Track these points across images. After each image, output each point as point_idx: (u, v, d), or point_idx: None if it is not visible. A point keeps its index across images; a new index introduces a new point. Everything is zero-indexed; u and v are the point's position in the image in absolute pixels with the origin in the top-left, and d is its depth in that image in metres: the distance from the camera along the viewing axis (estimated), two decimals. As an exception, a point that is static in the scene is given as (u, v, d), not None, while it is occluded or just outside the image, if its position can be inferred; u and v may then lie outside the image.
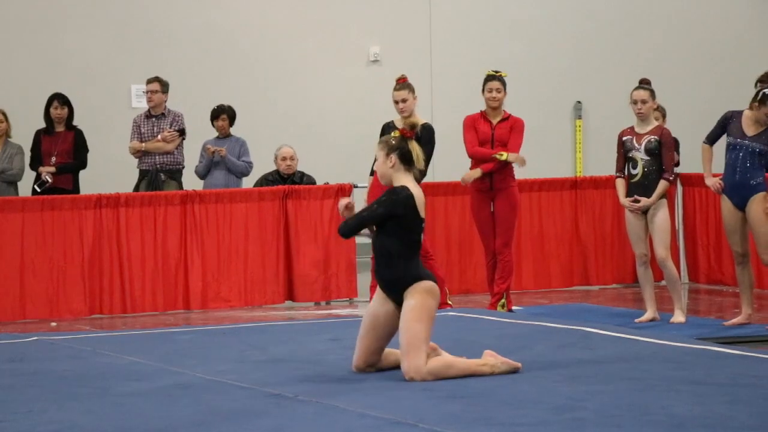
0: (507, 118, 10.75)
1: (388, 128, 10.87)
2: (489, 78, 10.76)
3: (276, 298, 12.00)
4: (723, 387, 6.46)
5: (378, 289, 7.20)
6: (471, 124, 10.78)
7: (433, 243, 11.32)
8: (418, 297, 7.02)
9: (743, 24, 17.30)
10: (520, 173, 11.07)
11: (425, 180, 10.35)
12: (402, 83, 10.72)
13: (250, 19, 16.15)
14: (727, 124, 9.67)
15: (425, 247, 10.86)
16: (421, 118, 10.81)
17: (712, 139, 9.78)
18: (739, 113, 9.69)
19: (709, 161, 9.80)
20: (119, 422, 5.86)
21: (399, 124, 10.79)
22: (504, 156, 10.57)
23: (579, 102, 17.21)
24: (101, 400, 6.44)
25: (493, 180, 10.68)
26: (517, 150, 10.65)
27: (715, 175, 9.83)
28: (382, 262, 7.18)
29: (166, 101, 12.73)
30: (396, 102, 10.73)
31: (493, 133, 10.70)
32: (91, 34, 15.49)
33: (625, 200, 10.05)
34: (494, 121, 10.73)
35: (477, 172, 10.63)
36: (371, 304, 7.23)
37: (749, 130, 9.57)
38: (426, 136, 10.36)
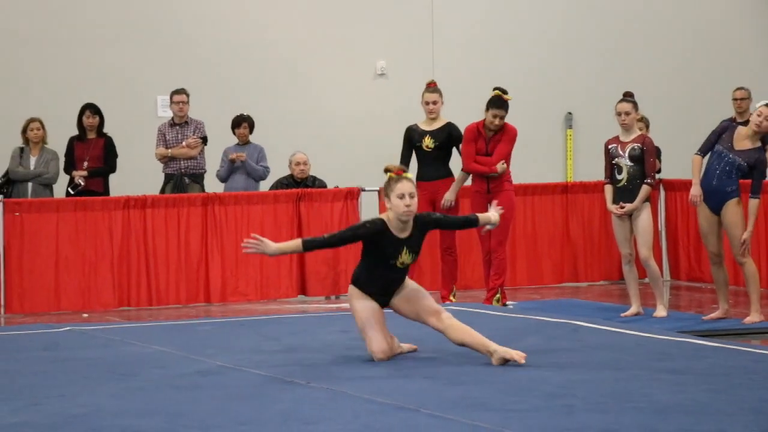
0: (501, 128, 10.73)
1: (410, 131, 10.91)
2: (493, 104, 10.54)
3: (289, 292, 12.00)
4: (702, 376, 6.45)
5: (358, 291, 7.25)
6: (471, 138, 10.72)
7: (436, 243, 11.27)
8: (411, 282, 7.30)
9: (725, 38, 17.27)
10: (515, 179, 11.05)
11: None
12: (432, 87, 10.88)
13: (266, 36, 16.14)
14: (722, 132, 9.61)
15: (451, 243, 10.87)
16: (444, 119, 10.84)
17: (705, 150, 9.70)
18: (734, 126, 9.64)
19: (698, 172, 9.72)
20: (144, 406, 5.85)
21: (423, 126, 10.84)
22: (496, 174, 10.59)
23: (570, 113, 17.17)
24: (128, 385, 6.43)
25: (490, 183, 10.68)
26: (502, 155, 10.60)
27: None
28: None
29: (188, 110, 12.75)
30: (427, 103, 10.81)
31: (487, 146, 10.67)
32: (120, 49, 15.49)
33: (611, 206, 10.03)
34: (488, 136, 10.70)
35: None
36: (362, 302, 7.22)
37: (738, 144, 9.51)
38: (456, 133, 10.77)
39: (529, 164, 13.24)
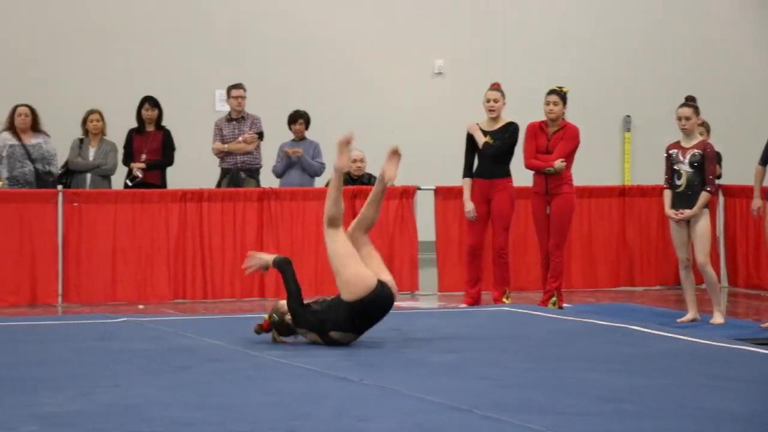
0: (563, 127, 10.70)
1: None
2: (548, 92, 10.72)
3: (343, 289, 11.99)
4: (758, 384, 6.38)
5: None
6: (531, 135, 10.76)
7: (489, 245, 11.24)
8: None
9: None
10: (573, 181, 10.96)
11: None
12: (496, 87, 10.85)
13: (324, 32, 16.18)
14: None
15: (504, 245, 10.81)
16: (506, 119, 10.82)
17: (765, 160, 9.63)
18: None
19: (760, 182, 9.64)
20: (197, 398, 5.88)
21: (484, 126, 10.82)
22: (552, 170, 10.56)
23: (628, 116, 17.08)
24: (181, 377, 6.47)
25: (549, 184, 10.63)
26: (563, 154, 10.58)
27: None
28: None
29: (246, 105, 12.81)
30: (488, 101, 10.79)
31: (548, 144, 10.66)
32: (180, 43, 15.60)
33: (669, 211, 9.97)
34: (550, 132, 10.69)
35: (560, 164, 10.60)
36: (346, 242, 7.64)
37: None
38: (512, 129, 10.71)
39: (587, 167, 13.16)
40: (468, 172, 10.88)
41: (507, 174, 10.80)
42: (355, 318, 7.41)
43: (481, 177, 10.76)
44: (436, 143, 15.16)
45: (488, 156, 10.70)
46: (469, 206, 10.82)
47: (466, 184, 10.90)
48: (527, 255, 12.19)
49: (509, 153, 10.81)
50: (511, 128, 10.76)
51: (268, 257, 7.59)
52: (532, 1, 16.95)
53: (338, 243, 7.63)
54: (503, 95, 10.86)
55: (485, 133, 10.81)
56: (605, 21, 17.04)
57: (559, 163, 10.51)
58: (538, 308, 10.19)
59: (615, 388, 6.21)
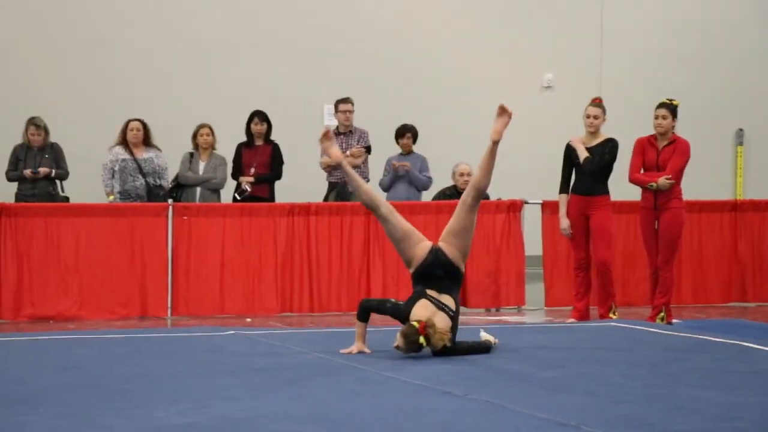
0: (673, 141, 10.57)
1: (570, 146, 10.78)
2: (658, 105, 10.61)
3: (450, 303, 11.97)
4: None
5: None
6: (639, 149, 10.66)
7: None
8: None
9: None
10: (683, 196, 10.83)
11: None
12: (597, 102, 10.77)
13: (433, 47, 16.22)
14: None
15: (606, 259, 10.70)
16: (605, 135, 10.74)
17: None
18: None
19: None
20: (305, 412, 5.91)
21: (583, 141, 10.72)
22: (654, 185, 10.44)
23: (741, 129, 16.84)
24: (290, 391, 6.50)
25: (657, 200, 10.52)
26: (675, 170, 10.45)
27: None
28: None
29: (353, 119, 12.86)
30: (587, 117, 10.71)
31: (657, 158, 10.54)
32: (288, 58, 15.75)
33: None
34: (660, 146, 10.56)
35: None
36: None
37: None
38: (612, 149, 10.58)
39: (698, 181, 13.01)
40: (565, 187, 10.81)
41: (605, 191, 10.68)
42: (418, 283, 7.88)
43: (579, 193, 10.68)
44: (544, 157, 15.08)
45: (587, 172, 10.61)
46: (564, 223, 10.76)
47: (562, 200, 10.82)
48: (636, 270, 12.06)
49: (608, 169, 10.68)
50: (611, 145, 10.64)
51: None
52: (643, 14, 16.80)
53: (390, 226, 8.23)
54: (604, 111, 10.75)
55: (585, 148, 10.70)
56: (715, 31, 16.81)
57: (663, 180, 10.38)
58: (647, 324, 10.08)
59: (730, 406, 6.09)
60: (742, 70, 16.85)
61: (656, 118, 10.53)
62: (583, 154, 10.59)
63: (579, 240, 10.73)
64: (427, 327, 7.60)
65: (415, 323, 7.64)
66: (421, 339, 7.60)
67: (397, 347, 7.70)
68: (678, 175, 10.49)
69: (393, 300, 8.05)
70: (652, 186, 10.47)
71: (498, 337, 8.41)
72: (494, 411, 5.95)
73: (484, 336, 8.15)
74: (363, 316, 7.97)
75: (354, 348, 7.94)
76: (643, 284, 11.66)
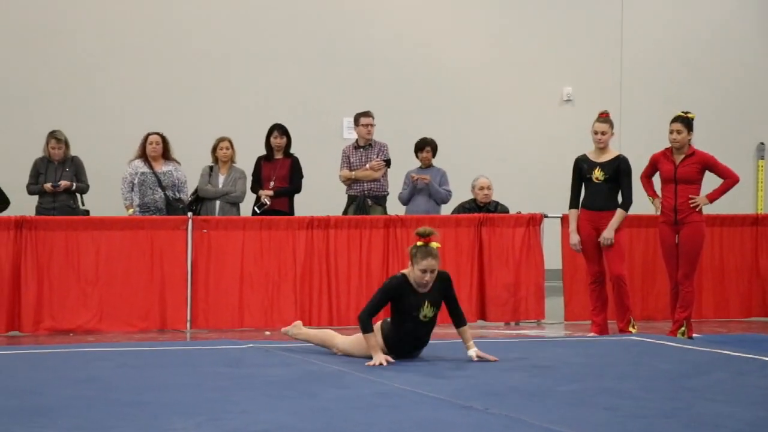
0: (692, 154, 10.53)
1: (579, 161, 10.78)
2: (673, 119, 10.57)
3: (469, 317, 11.80)
4: None
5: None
6: (653, 162, 10.66)
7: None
8: None
9: None
10: (703, 209, 10.79)
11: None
12: (604, 117, 10.73)
13: (452, 60, 16.22)
14: None
15: (620, 273, 10.67)
16: (615, 151, 10.72)
17: None
18: None
19: None
20: (324, 425, 5.89)
21: (592, 157, 10.71)
22: (651, 201, 10.51)
23: (762, 143, 16.78)
24: (308, 404, 6.49)
25: (677, 214, 10.48)
26: (728, 171, 10.46)
27: None
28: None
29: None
30: (595, 133, 10.67)
31: (675, 172, 10.50)
32: (307, 72, 15.78)
33: None
34: (678, 160, 10.52)
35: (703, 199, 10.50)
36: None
37: None
38: (625, 168, 10.57)
39: (719, 195, 12.93)
40: (574, 203, 10.79)
41: (616, 206, 10.65)
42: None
43: (590, 209, 10.65)
44: (564, 171, 15.02)
45: (598, 188, 10.58)
46: (574, 239, 10.74)
47: (572, 215, 10.79)
48: (655, 284, 12.02)
49: (619, 186, 10.62)
50: (623, 164, 10.57)
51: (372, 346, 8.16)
52: (662, 28, 16.78)
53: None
54: (611, 125, 10.72)
55: (595, 164, 10.68)
56: (735, 44, 16.77)
57: (702, 200, 10.42)
58: (667, 338, 10.04)
59: (750, 421, 6.05)
60: (763, 84, 16.80)
61: (671, 132, 10.49)
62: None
63: (592, 255, 10.70)
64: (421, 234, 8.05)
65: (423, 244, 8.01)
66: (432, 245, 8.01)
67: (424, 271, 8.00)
68: (696, 186, 10.49)
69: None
70: (650, 200, 10.63)
71: (516, 352, 8.38)
72: (514, 425, 5.92)
73: (474, 355, 8.20)
74: (367, 327, 8.08)
75: (376, 360, 7.94)
76: (662, 298, 11.61)
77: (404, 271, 8.18)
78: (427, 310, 8.13)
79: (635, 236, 12.12)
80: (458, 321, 8.35)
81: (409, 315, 8.09)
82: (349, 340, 8.49)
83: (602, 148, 10.68)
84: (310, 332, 8.98)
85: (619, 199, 10.63)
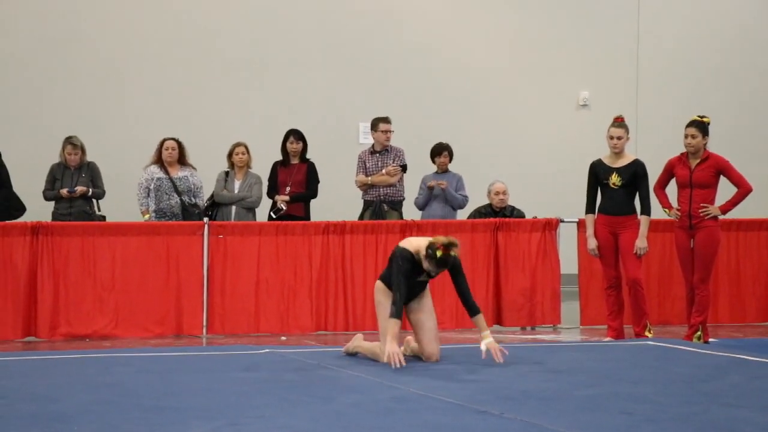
0: (707, 158, 10.53)
1: (595, 166, 10.80)
2: (688, 123, 10.58)
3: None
4: None
5: (384, 289, 8.66)
6: (669, 168, 10.68)
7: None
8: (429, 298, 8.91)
9: None
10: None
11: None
12: (620, 122, 10.75)
13: (469, 65, 16.24)
14: None
15: (637, 277, 10.68)
16: (631, 155, 10.74)
17: None
18: None
19: None
20: (341, 430, 5.93)
21: (608, 162, 10.73)
22: (667, 213, 10.59)
23: (778, 147, 16.76)
24: (325, 409, 6.53)
25: (692, 219, 10.49)
26: (742, 179, 10.46)
27: None
28: None
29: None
30: (611, 138, 10.70)
31: (691, 176, 10.50)
32: (324, 77, 15.82)
33: None
34: (693, 164, 10.53)
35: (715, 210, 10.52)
36: (387, 301, 8.51)
37: None
38: (642, 172, 10.63)
39: (735, 199, 12.94)
40: (591, 208, 10.82)
41: (633, 210, 10.69)
42: None
43: (607, 213, 10.67)
44: (580, 175, 15.03)
45: (615, 193, 10.60)
46: (592, 243, 10.77)
47: (589, 220, 10.83)
48: (672, 288, 12.02)
49: (636, 190, 10.66)
50: (639, 168, 10.62)
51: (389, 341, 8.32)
52: (679, 32, 16.77)
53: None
54: (627, 130, 10.76)
55: (611, 169, 10.70)
56: (753, 48, 16.77)
57: (714, 210, 10.42)
58: (683, 342, 10.05)
59: (766, 425, 6.07)
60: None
61: (686, 137, 10.50)
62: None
63: (609, 259, 10.73)
64: (445, 246, 8.30)
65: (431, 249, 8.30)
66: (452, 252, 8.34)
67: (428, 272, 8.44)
68: (711, 193, 10.48)
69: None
70: (665, 211, 10.64)
71: (533, 357, 8.41)
72: (530, 430, 5.95)
73: (485, 346, 8.43)
74: (397, 313, 8.34)
75: (390, 350, 8.22)
76: (679, 303, 11.62)
77: (410, 249, 8.48)
78: (424, 278, 8.65)
79: (651, 241, 12.03)
80: (467, 305, 8.67)
81: (409, 279, 8.49)
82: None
83: (618, 153, 10.70)
84: (365, 345, 8.96)
85: (637, 203, 10.66)
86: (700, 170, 10.48)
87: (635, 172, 10.61)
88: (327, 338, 11.31)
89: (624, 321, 10.84)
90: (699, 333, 10.48)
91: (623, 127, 10.73)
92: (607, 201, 10.70)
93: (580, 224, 12.11)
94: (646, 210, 10.64)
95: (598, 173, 10.74)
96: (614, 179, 10.63)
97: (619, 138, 10.68)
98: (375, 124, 12.85)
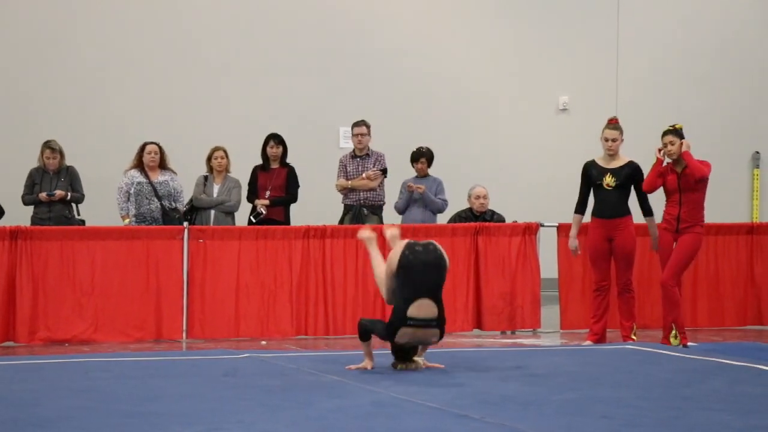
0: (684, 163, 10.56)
1: (589, 167, 10.81)
2: (663, 133, 10.55)
3: (465, 326, 12.01)
4: None
5: None
6: (659, 170, 10.66)
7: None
8: None
9: None
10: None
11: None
12: (614, 124, 10.78)
13: (446, 69, 16.27)
14: None
15: (628, 280, 10.72)
16: (625, 157, 10.77)
17: None
18: None
19: None
20: (320, 434, 5.94)
21: (602, 163, 10.76)
22: (658, 155, 10.53)
23: (757, 152, 16.84)
24: (305, 413, 6.53)
25: (680, 224, 10.48)
26: (699, 166, 10.41)
27: None
28: None
29: (369, 142, 12.89)
30: (606, 140, 10.73)
31: (679, 182, 10.51)
32: (304, 81, 15.82)
33: None
34: (679, 170, 10.55)
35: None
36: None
37: None
38: (638, 175, 10.67)
39: (714, 204, 12.99)
40: (580, 208, 10.85)
41: (628, 212, 10.72)
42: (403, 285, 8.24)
43: (602, 217, 10.69)
44: (560, 180, 15.10)
45: (608, 195, 10.62)
46: (573, 243, 10.81)
47: (576, 219, 10.88)
48: (651, 292, 12.05)
49: (630, 192, 10.71)
50: (635, 171, 10.66)
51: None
52: (658, 36, 16.83)
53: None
54: (621, 132, 10.78)
55: (605, 170, 10.73)
56: (732, 54, 16.84)
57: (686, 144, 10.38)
58: (662, 346, 10.08)
59: (745, 429, 6.10)
60: (758, 92, 16.86)
61: (665, 145, 10.48)
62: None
63: (601, 263, 10.74)
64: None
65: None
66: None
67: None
68: (699, 201, 10.48)
69: (382, 322, 8.32)
70: (657, 155, 10.52)
71: (512, 361, 8.42)
72: (509, 434, 5.97)
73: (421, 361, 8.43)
74: (364, 336, 8.22)
75: (363, 364, 8.19)
76: (659, 307, 11.66)
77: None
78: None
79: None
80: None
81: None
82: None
83: (612, 155, 10.72)
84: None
85: (632, 204, 10.67)
86: (686, 176, 10.46)
87: (631, 175, 10.64)
88: (307, 342, 11.31)
89: (607, 325, 10.86)
90: (674, 332, 10.50)
91: (618, 128, 10.76)
92: (600, 203, 10.73)
93: (560, 229, 12.16)
94: (648, 211, 10.69)
95: (590, 174, 10.75)
96: (608, 180, 10.65)
97: (613, 140, 10.70)
98: (351, 128, 12.90)
